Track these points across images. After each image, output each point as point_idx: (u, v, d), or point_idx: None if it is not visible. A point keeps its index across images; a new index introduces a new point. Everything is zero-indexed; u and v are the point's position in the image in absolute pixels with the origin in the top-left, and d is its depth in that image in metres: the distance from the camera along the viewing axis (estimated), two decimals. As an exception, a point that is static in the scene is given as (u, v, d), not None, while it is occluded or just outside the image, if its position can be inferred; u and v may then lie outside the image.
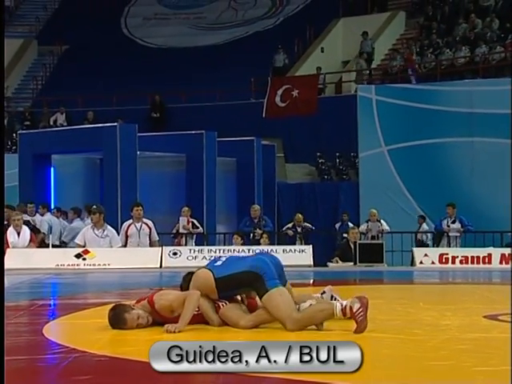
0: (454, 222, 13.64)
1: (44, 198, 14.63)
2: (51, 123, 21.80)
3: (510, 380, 3.28)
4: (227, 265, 5.16)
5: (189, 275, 5.34)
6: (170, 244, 13.12)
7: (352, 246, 12.22)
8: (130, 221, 12.12)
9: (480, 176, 15.26)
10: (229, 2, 27.34)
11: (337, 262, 12.32)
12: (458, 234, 13.56)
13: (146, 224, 12.10)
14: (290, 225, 14.40)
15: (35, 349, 4.40)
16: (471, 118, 15.60)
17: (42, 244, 12.85)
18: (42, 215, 13.43)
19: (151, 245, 12.20)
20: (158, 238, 12.35)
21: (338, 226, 15.30)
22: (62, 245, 13.18)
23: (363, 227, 13.89)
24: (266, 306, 4.92)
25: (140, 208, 11.95)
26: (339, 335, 4.76)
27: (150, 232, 12.13)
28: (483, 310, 5.84)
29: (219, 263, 5.20)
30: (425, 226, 14.72)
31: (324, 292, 5.55)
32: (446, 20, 22.39)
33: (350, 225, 13.84)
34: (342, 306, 4.88)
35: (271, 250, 11.33)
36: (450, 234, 13.52)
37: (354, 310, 4.82)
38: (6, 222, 11.72)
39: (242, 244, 12.30)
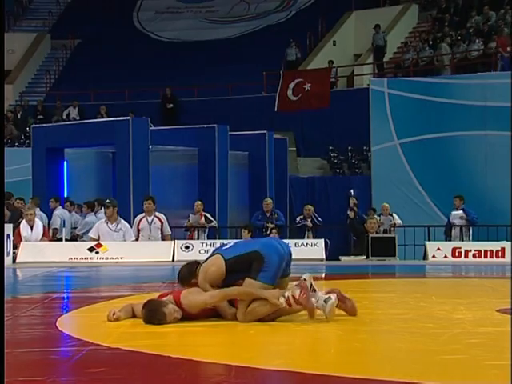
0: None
1: (57, 192, 14.70)
2: (64, 117, 21.88)
3: (511, 377, 3.27)
4: (236, 247, 5.26)
5: (194, 265, 5.25)
6: (182, 238, 13.15)
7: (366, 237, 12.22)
8: (142, 214, 12.17)
9: (493, 169, 15.18)
10: (241, -5, 27.31)
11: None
12: (463, 222, 13.49)
13: (158, 218, 12.13)
14: (301, 216, 14.41)
15: (49, 341, 4.43)
16: (484, 111, 15.50)
17: (55, 238, 12.90)
18: (54, 209, 13.46)
19: (163, 238, 12.22)
20: (170, 232, 12.37)
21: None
22: (78, 239, 13.22)
23: (375, 221, 13.86)
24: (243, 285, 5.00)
25: (150, 202, 11.98)
26: (350, 331, 4.76)
27: (162, 226, 12.16)
28: (496, 304, 5.82)
29: (227, 247, 5.29)
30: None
31: (304, 279, 5.41)
32: (459, 12, 22.26)
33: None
34: (284, 297, 4.89)
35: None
36: (456, 223, 13.46)
37: (297, 297, 4.84)
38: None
39: (251, 237, 12.29)
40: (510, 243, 12.07)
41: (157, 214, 12.15)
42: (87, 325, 5.18)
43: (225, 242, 12.08)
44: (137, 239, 12.10)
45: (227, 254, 5.17)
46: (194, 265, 5.28)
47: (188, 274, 5.25)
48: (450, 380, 3.36)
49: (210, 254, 5.41)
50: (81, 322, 5.39)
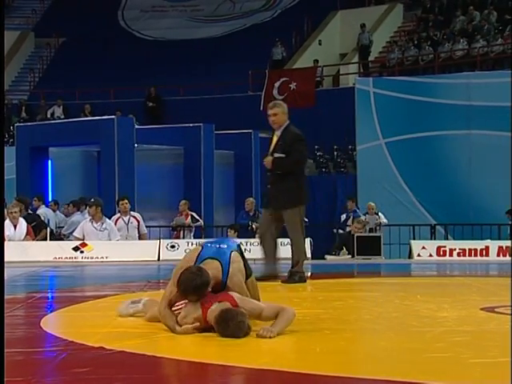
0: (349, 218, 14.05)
1: (41, 191, 14.62)
2: (48, 116, 21.77)
3: (511, 375, 3.27)
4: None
5: (204, 271, 4.37)
6: (168, 237, 13.12)
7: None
8: (118, 214, 12.19)
9: (477, 168, 15.26)
10: (226, -6, 27.30)
11: (338, 254, 12.37)
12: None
13: (134, 217, 12.19)
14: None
15: (33, 341, 4.40)
16: (469, 110, 15.58)
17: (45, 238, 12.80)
18: (37, 208, 13.39)
19: (140, 237, 12.27)
20: (146, 231, 12.41)
21: (343, 217, 15.14)
22: (64, 238, 13.15)
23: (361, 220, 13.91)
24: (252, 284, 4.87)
25: (126, 201, 12.04)
26: (335, 330, 4.77)
27: (139, 225, 12.20)
28: (480, 302, 5.85)
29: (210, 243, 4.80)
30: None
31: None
32: (443, 12, 22.38)
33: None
34: None
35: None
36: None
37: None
38: None
39: (237, 237, 12.29)
40: (496, 242, 12.17)
41: (132, 213, 12.19)
42: (72, 324, 5.15)
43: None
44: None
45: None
46: (204, 271, 4.38)
47: (206, 283, 4.35)
48: (435, 378, 3.37)
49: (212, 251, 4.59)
50: (65, 322, 5.36)
